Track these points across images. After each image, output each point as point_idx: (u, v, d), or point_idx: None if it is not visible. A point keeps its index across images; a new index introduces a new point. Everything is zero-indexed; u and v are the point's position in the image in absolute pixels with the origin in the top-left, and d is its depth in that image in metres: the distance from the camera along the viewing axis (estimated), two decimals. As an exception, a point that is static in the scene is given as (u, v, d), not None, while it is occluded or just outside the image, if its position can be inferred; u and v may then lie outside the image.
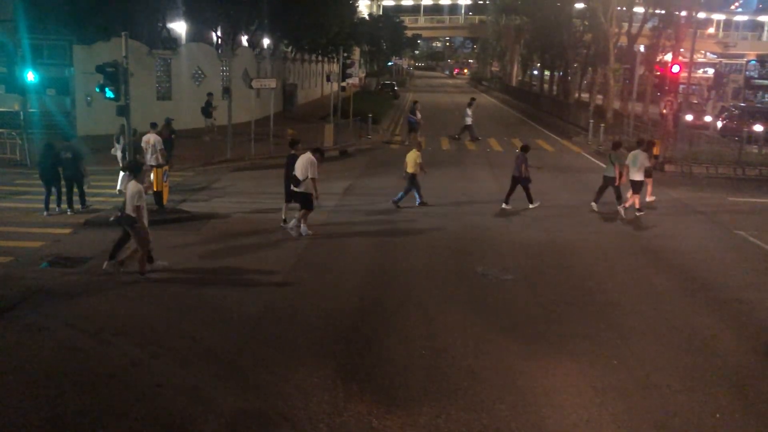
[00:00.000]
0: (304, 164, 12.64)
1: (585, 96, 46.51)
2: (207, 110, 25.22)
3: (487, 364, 7.67)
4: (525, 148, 16.27)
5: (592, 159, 25.39)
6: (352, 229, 13.70)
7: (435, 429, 6.35)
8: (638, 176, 15.36)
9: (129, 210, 9.91)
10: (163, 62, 27.94)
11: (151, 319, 8.71)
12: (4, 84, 19.55)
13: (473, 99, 31.97)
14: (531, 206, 15.78)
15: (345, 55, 33.62)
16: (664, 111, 26.40)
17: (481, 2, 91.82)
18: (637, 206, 15.48)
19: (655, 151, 22.47)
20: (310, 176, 12.57)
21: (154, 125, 16.73)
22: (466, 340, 8.32)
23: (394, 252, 12.21)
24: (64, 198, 14.18)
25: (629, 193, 15.43)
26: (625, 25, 37.37)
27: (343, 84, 31.83)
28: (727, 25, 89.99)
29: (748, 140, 24.07)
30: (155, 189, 13.96)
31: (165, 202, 14.15)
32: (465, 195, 17.29)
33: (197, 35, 36.50)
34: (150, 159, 15.70)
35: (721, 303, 10.01)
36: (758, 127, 27.34)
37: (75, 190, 14.30)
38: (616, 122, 31.50)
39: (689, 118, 31.14)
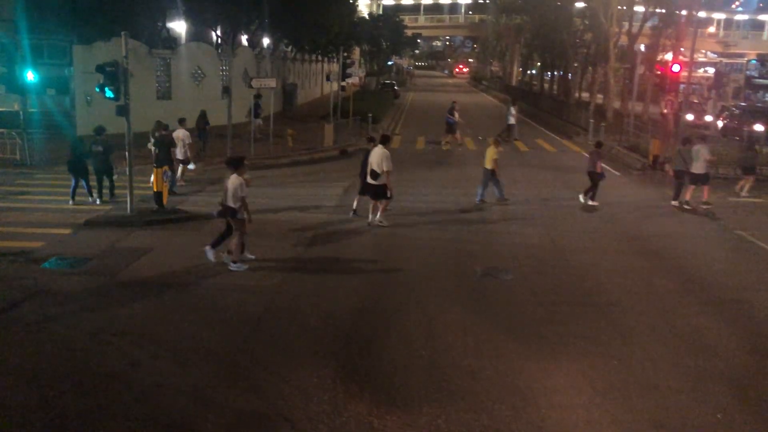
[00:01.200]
0: (379, 158, 13.35)
1: (585, 95, 46.47)
2: (256, 112, 25.89)
3: (487, 364, 7.67)
4: (599, 144, 17.22)
5: (593, 158, 25.35)
6: (352, 228, 13.69)
7: (435, 429, 6.34)
8: (700, 169, 16.29)
9: (230, 202, 10.50)
10: (163, 62, 27.92)
11: (151, 319, 8.71)
12: (5, 84, 19.55)
13: (515, 99, 31.98)
14: (591, 203, 16.41)
15: (345, 54, 33.64)
16: (665, 111, 26.40)
17: (482, 1, 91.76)
18: (704, 198, 16.41)
19: (656, 150, 22.55)
20: (385, 169, 13.29)
21: (182, 121, 17.40)
22: (466, 340, 8.32)
23: (394, 252, 12.21)
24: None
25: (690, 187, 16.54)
26: (626, 24, 37.35)
27: (343, 83, 31.85)
28: (728, 24, 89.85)
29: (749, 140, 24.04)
30: (155, 189, 13.98)
31: (165, 202, 14.16)
32: (465, 196, 17.28)
33: (197, 35, 36.49)
34: (179, 153, 16.78)
35: (721, 303, 10.00)
36: (759, 127, 27.33)
37: (105, 182, 15.14)
38: (617, 122, 31.49)
39: (690, 117, 31.14)
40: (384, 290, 10.12)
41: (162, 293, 9.65)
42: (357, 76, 42.82)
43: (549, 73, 57.94)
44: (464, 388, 7.11)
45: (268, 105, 25.39)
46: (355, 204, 14.52)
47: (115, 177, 15.23)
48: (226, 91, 22.07)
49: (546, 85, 57.46)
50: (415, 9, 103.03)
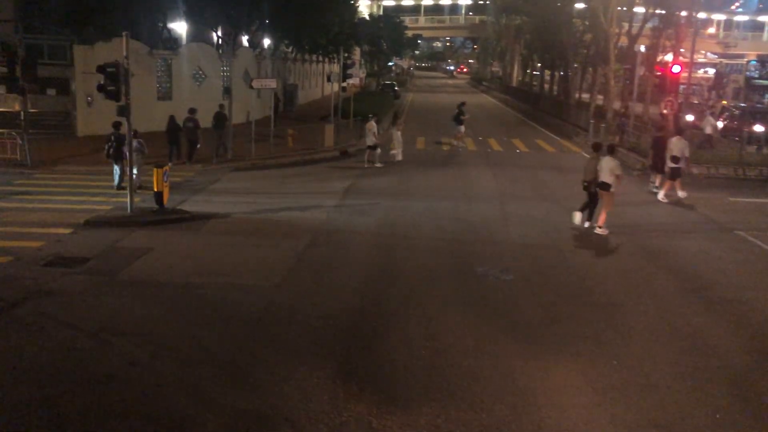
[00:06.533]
0: (681, 146, 16.88)
1: (585, 96, 46.41)
2: (459, 119, 26.76)
3: (487, 364, 7.67)
4: None
5: (593, 159, 25.34)
6: (352, 228, 13.70)
7: (435, 429, 6.35)
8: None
9: (605, 178, 13.29)
10: (164, 62, 27.93)
11: (151, 319, 8.72)
12: (5, 84, 19.58)
13: (714, 113, 32.16)
14: None
15: (345, 55, 33.63)
16: (665, 111, 26.39)
17: (482, 2, 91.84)
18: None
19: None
20: (687, 155, 17.05)
21: (372, 116, 22.40)
22: (466, 340, 8.32)
23: (394, 252, 12.21)
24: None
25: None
26: (626, 25, 37.28)
27: (344, 84, 31.85)
28: (728, 25, 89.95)
29: (749, 140, 24.05)
30: (155, 189, 13.98)
31: (165, 202, 14.17)
32: (465, 196, 17.28)
33: (198, 35, 36.46)
34: (368, 140, 21.49)
35: (721, 303, 10.00)
36: (758, 128, 27.31)
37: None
38: (617, 123, 31.45)
39: (690, 118, 31.13)
40: (384, 290, 10.12)
41: (162, 293, 9.66)
42: (358, 77, 42.83)
43: (549, 73, 57.88)
44: (464, 388, 7.11)
45: (268, 105, 25.40)
46: (657, 182, 18.10)
47: (198, 146, 20.13)
48: (227, 91, 22.07)
49: (546, 86, 57.39)
50: (415, 10, 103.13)
